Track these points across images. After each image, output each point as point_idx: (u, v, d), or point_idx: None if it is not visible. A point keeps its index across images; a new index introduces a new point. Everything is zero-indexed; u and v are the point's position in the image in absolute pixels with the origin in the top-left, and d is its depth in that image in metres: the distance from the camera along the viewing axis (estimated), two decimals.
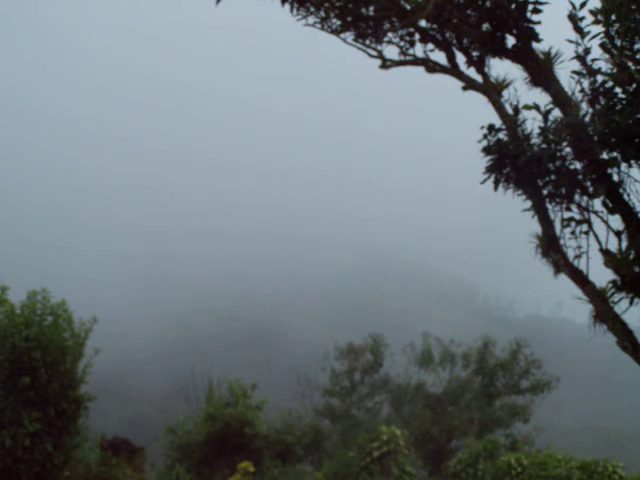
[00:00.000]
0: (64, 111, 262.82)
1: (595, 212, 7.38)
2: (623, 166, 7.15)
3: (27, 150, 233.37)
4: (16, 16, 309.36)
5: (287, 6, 8.73)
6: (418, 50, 8.59)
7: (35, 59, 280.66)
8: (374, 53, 8.74)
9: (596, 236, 7.33)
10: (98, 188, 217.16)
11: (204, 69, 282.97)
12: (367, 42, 8.72)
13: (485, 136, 7.64)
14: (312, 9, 8.70)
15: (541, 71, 7.66)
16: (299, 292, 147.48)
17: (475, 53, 8.15)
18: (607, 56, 7.18)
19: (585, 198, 7.43)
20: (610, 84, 7.11)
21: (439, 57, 8.41)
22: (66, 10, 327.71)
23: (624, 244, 7.12)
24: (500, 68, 7.97)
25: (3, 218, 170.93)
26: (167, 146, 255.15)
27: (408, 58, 8.68)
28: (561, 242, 7.52)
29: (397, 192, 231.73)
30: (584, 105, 7.31)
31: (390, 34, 8.64)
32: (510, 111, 7.76)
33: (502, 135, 7.64)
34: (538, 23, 7.67)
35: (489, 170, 7.57)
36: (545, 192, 7.51)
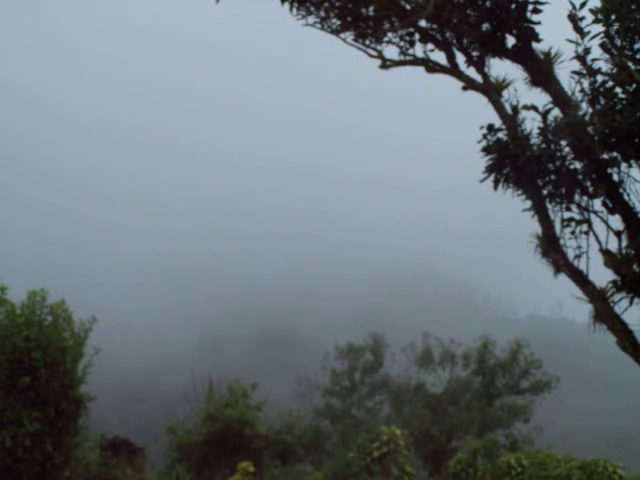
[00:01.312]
0: (73, 110, 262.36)
1: (595, 212, 7.38)
2: (623, 166, 7.15)
3: (39, 151, 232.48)
4: (24, 15, 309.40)
5: (287, 5, 8.73)
6: (418, 50, 8.60)
7: (43, 59, 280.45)
8: (374, 53, 8.74)
9: (596, 236, 7.33)
10: (106, 189, 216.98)
11: (210, 67, 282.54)
12: (367, 42, 8.72)
13: (485, 136, 7.64)
14: (312, 9, 8.70)
15: (541, 71, 7.65)
16: (298, 293, 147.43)
17: (475, 53, 8.14)
18: (607, 56, 7.18)
19: (585, 198, 7.42)
20: (610, 84, 7.11)
21: (439, 57, 8.42)
22: (72, 8, 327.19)
23: (624, 244, 7.12)
24: (500, 68, 7.98)
25: (17, 219, 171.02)
26: (165, 143, 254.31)
27: (408, 58, 8.68)
28: (561, 242, 7.51)
29: (397, 191, 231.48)
30: (584, 105, 7.30)
31: (390, 34, 8.64)
32: (510, 111, 7.76)
33: (502, 135, 7.64)
34: (538, 23, 7.67)
35: (489, 170, 7.58)
36: (545, 192, 7.51)
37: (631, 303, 7.10)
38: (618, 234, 7.18)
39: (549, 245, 7.50)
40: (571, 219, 7.50)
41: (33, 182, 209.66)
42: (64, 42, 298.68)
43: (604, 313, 7.14)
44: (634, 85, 6.90)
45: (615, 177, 7.23)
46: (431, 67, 8.46)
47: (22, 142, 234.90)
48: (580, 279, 7.38)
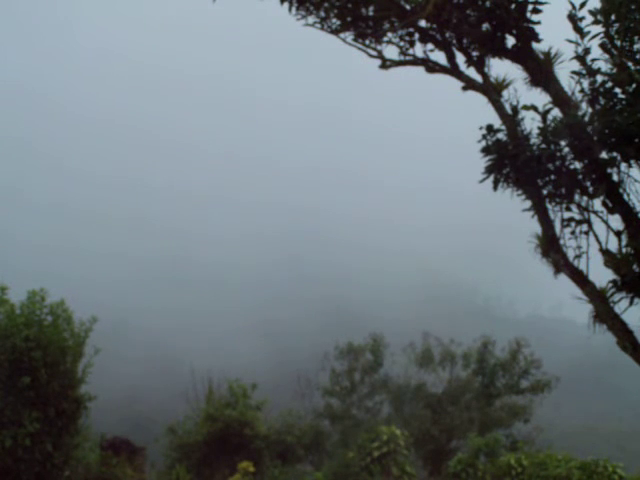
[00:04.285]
0: (74, 106, 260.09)
1: (595, 212, 7.38)
2: (623, 166, 7.16)
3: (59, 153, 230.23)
4: (32, 12, 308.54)
5: (287, 5, 8.73)
6: (418, 50, 8.60)
7: (48, 56, 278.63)
8: (374, 53, 8.74)
9: (596, 236, 7.33)
10: (109, 187, 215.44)
11: (215, 63, 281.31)
12: (367, 42, 8.73)
13: (484, 136, 7.65)
14: (312, 9, 8.71)
15: (541, 71, 7.66)
16: (298, 294, 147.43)
17: (475, 53, 8.14)
18: (607, 56, 7.18)
19: (585, 198, 7.43)
20: (610, 84, 7.11)
21: (439, 57, 8.42)
22: (81, 6, 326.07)
23: (624, 244, 7.13)
24: (500, 68, 7.98)
25: (17, 218, 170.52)
26: (181, 139, 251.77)
27: (408, 58, 8.68)
28: (561, 242, 7.52)
29: (396, 190, 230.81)
30: (584, 105, 7.31)
31: (390, 34, 8.64)
32: (510, 111, 7.76)
33: (502, 135, 7.64)
34: (538, 23, 7.67)
35: (488, 170, 7.58)
36: (545, 192, 7.51)
37: (631, 303, 7.10)
38: (618, 234, 7.18)
39: (549, 245, 7.51)
40: (571, 219, 7.50)
41: (33, 181, 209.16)
42: (71, 39, 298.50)
43: (604, 313, 7.15)
44: (634, 85, 6.90)
45: (615, 177, 7.24)
46: (431, 67, 8.47)
47: (22, 141, 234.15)
48: (580, 279, 7.38)
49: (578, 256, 7.44)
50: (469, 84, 8.13)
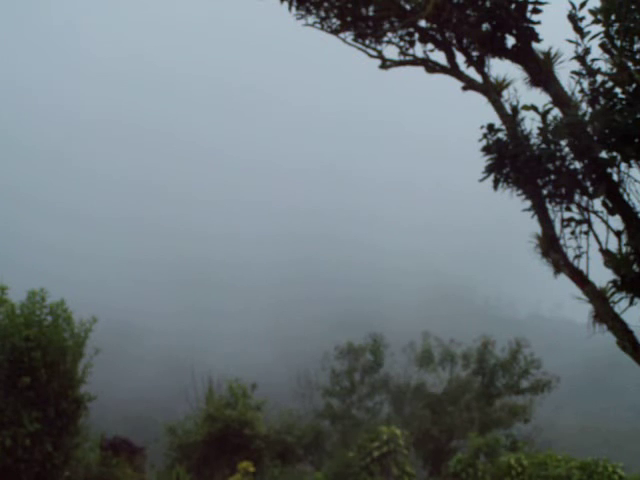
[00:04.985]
0: (76, 106, 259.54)
1: (595, 212, 7.38)
2: (623, 166, 7.15)
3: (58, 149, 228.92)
4: (32, 14, 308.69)
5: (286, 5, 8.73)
6: (418, 50, 8.60)
7: (50, 56, 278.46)
8: (374, 53, 8.75)
9: (596, 236, 7.33)
10: (110, 186, 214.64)
11: (220, 63, 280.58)
12: (367, 42, 8.73)
13: (485, 136, 7.65)
14: (312, 8, 8.71)
15: (541, 71, 7.66)
16: (299, 295, 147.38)
17: (475, 53, 8.15)
18: (607, 56, 7.17)
19: (585, 198, 7.42)
20: (610, 84, 7.11)
21: (439, 57, 8.42)
22: (86, 9, 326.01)
23: (624, 244, 7.13)
24: (500, 68, 7.98)
25: (17, 218, 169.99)
26: (194, 142, 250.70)
27: (408, 58, 8.68)
28: (561, 242, 7.52)
29: (395, 190, 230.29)
30: (584, 105, 7.31)
31: (390, 34, 8.64)
32: (510, 111, 7.76)
33: (502, 135, 7.64)
34: (538, 23, 7.68)
35: (489, 170, 7.58)
36: (545, 192, 7.51)
37: (631, 303, 7.10)
38: (618, 234, 7.18)
39: (549, 245, 7.51)
40: (571, 219, 7.50)
41: (35, 181, 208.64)
42: (72, 40, 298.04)
43: (604, 313, 7.15)
44: (634, 85, 6.89)
45: (615, 177, 7.23)
46: (431, 67, 8.47)
47: (22, 139, 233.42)
48: (580, 279, 7.38)
49: (578, 256, 7.44)
50: (469, 84, 8.13)
